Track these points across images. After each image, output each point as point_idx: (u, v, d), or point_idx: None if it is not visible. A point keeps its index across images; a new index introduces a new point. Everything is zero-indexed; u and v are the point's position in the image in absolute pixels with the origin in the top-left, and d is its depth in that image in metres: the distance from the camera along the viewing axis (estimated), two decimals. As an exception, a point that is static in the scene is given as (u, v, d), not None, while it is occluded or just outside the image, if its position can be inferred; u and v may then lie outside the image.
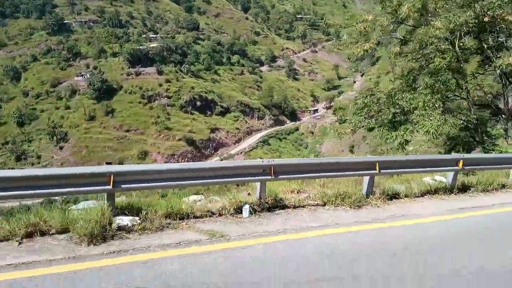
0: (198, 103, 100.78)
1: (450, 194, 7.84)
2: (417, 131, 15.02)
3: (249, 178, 6.06)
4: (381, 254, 4.76)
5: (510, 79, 16.43)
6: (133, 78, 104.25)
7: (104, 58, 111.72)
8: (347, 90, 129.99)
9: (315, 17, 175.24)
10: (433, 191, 7.73)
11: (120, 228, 4.94)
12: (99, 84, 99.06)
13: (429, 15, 15.73)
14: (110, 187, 5.02)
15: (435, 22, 14.40)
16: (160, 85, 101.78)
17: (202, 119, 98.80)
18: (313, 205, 6.50)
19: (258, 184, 6.13)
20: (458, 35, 14.71)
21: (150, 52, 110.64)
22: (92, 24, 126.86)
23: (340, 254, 4.70)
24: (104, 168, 5.21)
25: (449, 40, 15.29)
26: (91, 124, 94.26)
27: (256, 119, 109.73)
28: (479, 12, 14.40)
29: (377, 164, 6.68)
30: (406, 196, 7.33)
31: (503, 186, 8.69)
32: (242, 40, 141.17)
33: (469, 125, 15.99)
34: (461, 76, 16.29)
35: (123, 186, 5.21)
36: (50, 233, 4.80)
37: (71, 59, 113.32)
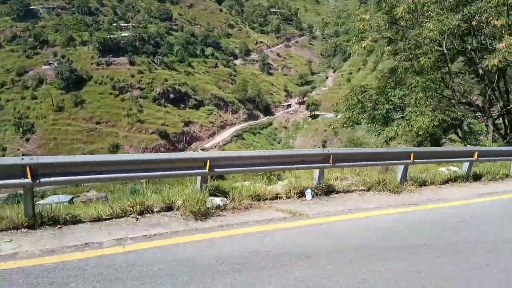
0: (172, 96, 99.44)
1: (466, 182, 8.55)
2: (410, 126, 15.82)
3: (310, 165, 6.49)
4: (444, 226, 5.55)
5: (491, 79, 17.56)
6: (103, 68, 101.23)
7: (73, 47, 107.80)
8: (320, 85, 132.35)
9: (289, 11, 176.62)
10: (453, 179, 8.44)
11: (215, 207, 5.38)
12: (67, 73, 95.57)
13: (421, 17, 16.60)
14: (206, 170, 5.56)
15: (427, 24, 15.19)
16: (132, 76, 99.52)
17: (176, 112, 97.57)
18: (360, 190, 7.03)
19: (317, 171, 6.59)
20: (446, 37, 15.61)
21: (122, 41, 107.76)
22: (60, 11, 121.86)
23: (416, 226, 5.50)
24: (201, 155, 6.26)
25: (438, 41, 16.20)
26: (59, 116, 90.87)
27: (230, 113, 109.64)
28: (468, 16, 15.38)
29: (412, 154, 7.24)
30: (431, 183, 7.95)
31: (507, 176, 9.55)
32: (216, 33, 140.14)
33: (454, 122, 17.01)
34: (447, 75, 17.38)
35: (216, 170, 5.75)
36: (155, 210, 5.20)
37: (38, 47, 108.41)
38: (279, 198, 6.20)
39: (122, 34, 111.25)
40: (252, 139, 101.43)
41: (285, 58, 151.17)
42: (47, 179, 4.75)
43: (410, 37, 16.65)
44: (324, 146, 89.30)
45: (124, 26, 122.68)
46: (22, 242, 4.07)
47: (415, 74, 16.31)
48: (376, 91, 17.27)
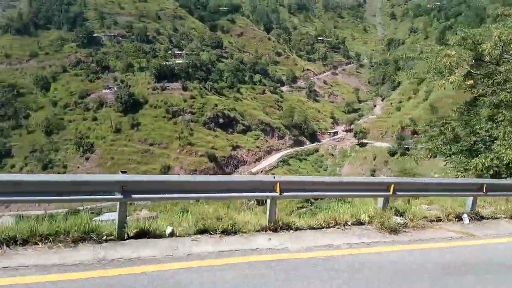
0: (221, 120, 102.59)
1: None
2: (498, 160, 15.92)
3: (466, 193, 7.91)
4: None
5: None
6: (158, 93, 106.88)
7: (132, 72, 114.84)
8: (368, 113, 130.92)
9: (336, 40, 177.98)
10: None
11: (398, 225, 6.52)
12: (126, 97, 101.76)
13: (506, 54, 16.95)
14: (390, 193, 6.66)
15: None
16: (185, 100, 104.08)
17: (224, 136, 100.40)
18: (504, 217, 8.13)
19: (471, 199, 7.88)
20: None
21: (176, 68, 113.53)
22: (120, 38, 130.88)
23: None
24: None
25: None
26: (117, 136, 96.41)
27: (276, 138, 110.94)
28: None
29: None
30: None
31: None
32: (264, 60, 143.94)
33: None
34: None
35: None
36: (349, 223, 6.62)
37: (99, 72, 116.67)
38: (441, 221, 7.22)
39: (176, 61, 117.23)
40: (298, 165, 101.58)
41: (331, 86, 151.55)
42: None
43: (496, 73, 16.96)
44: (372, 175, 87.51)
45: (179, 53, 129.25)
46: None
47: (498, 107, 16.54)
48: (458, 123, 17.61)
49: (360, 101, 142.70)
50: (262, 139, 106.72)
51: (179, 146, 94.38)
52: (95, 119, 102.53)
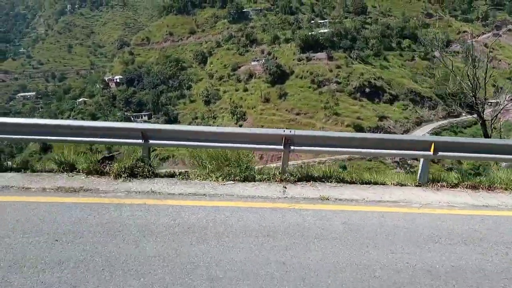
0: (367, 90, 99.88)
1: None
2: None
3: None
4: None
5: None
6: (304, 63, 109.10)
7: (278, 44, 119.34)
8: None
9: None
10: None
11: None
12: (274, 69, 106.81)
13: None
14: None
15: None
16: (331, 70, 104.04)
17: (370, 107, 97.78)
18: None
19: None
20: None
21: (320, 37, 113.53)
22: (266, 12, 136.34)
23: None
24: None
25: None
26: (266, 106, 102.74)
27: (427, 109, 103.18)
28: None
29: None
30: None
31: None
32: (412, 23, 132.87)
33: None
34: None
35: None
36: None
37: (248, 45, 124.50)
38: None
39: (321, 31, 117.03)
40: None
41: (493, 49, 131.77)
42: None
43: None
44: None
45: (321, 22, 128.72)
46: None
47: None
48: None
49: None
50: (410, 110, 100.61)
51: (325, 116, 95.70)
52: (245, 89, 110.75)
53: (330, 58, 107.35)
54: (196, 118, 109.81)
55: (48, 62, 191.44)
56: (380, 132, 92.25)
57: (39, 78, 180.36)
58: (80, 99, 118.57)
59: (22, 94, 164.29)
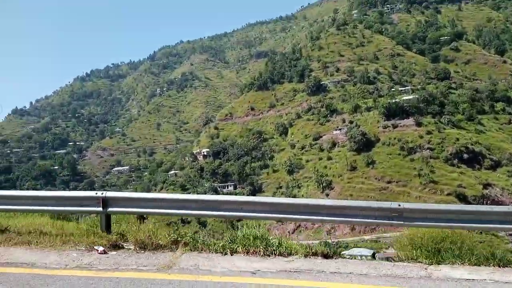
0: (465, 156, 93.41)
1: None
2: None
3: None
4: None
5: None
6: (390, 130, 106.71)
7: (359, 113, 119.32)
8: None
9: None
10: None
11: None
12: (359, 137, 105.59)
13: None
14: None
15: None
16: (421, 137, 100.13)
17: (471, 173, 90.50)
18: None
19: None
20: None
21: (405, 104, 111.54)
22: (343, 83, 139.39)
23: None
24: None
25: None
26: (353, 174, 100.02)
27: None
28: None
29: None
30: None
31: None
32: (502, 86, 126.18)
33: None
34: None
35: None
36: None
37: (328, 115, 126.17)
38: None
39: (405, 98, 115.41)
40: None
41: None
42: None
43: None
44: None
45: (402, 89, 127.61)
46: None
47: None
48: None
49: None
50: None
51: (420, 184, 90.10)
52: (329, 158, 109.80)
53: (419, 124, 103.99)
54: (280, 187, 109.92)
55: (139, 139, 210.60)
56: (486, 202, 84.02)
57: (132, 153, 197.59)
58: (171, 172, 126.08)
59: (117, 168, 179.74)
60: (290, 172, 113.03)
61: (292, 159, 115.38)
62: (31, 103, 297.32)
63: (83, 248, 6.67)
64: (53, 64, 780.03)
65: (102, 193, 7.28)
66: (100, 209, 7.18)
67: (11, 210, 8.01)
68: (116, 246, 6.72)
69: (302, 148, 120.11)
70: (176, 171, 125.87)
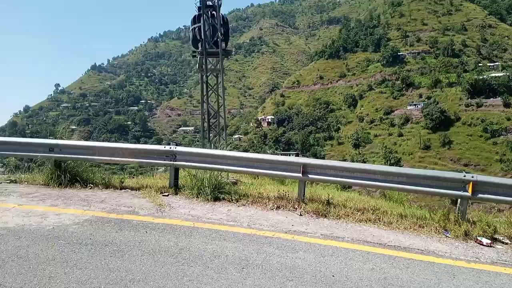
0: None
1: None
2: None
3: None
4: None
5: None
6: (473, 109, 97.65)
7: (440, 88, 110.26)
8: None
9: None
10: None
11: None
12: (436, 114, 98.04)
13: None
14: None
15: None
16: (508, 119, 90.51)
17: None
18: None
19: None
20: None
21: (493, 82, 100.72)
22: (424, 54, 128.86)
23: None
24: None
25: None
26: (425, 153, 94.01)
27: None
28: None
29: None
30: None
31: None
32: None
33: None
34: None
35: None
36: None
37: (403, 89, 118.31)
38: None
39: (493, 74, 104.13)
40: None
41: None
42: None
43: None
44: None
45: (491, 65, 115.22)
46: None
47: None
48: None
49: None
50: None
51: (501, 170, 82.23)
52: (400, 134, 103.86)
53: (507, 105, 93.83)
54: (345, 160, 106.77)
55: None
56: None
57: (197, 115, 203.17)
58: (236, 136, 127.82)
59: (183, 128, 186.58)
60: (356, 145, 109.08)
61: (360, 132, 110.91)
62: (108, 60, 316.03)
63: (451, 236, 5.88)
64: (130, 25, 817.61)
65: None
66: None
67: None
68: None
69: (371, 122, 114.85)
70: (240, 136, 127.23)
